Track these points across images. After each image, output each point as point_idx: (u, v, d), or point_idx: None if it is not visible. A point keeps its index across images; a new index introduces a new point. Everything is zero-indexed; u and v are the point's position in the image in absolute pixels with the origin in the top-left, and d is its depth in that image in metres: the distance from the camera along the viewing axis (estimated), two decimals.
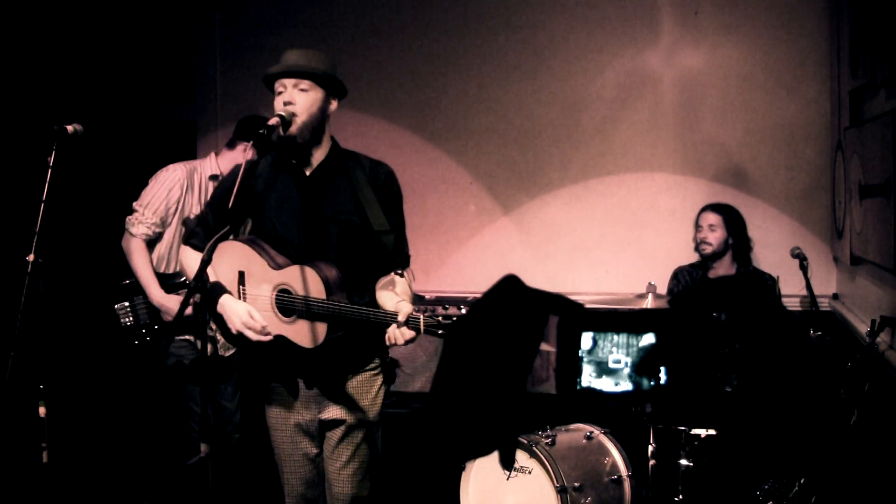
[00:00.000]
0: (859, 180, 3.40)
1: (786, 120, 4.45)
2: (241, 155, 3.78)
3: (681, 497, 3.52)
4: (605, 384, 0.69)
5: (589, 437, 3.59)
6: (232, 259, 2.74)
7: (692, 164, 4.59)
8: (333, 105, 2.73)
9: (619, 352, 0.69)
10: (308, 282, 2.59)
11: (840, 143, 3.99)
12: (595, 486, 3.44)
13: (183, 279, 3.66)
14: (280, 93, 2.65)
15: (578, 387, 0.69)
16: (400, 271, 2.72)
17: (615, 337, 0.69)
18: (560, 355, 0.70)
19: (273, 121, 2.56)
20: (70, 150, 3.18)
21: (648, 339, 0.69)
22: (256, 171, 2.74)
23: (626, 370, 0.69)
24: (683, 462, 3.52)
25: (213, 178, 3.79)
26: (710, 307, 0.60)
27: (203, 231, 2.79)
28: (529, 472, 3.39)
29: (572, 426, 3.67)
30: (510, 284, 0.69)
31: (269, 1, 5.12)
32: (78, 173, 4.18)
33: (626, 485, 3.51)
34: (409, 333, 2.48)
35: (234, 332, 2.64)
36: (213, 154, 3.87)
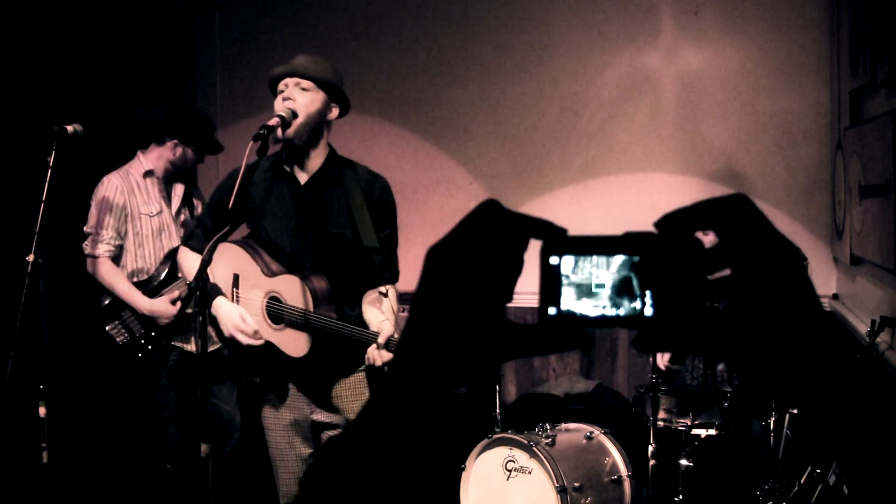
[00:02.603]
0: (859, 180, 3.40)
1: (786, 120, 4.45)
2: (170, 151, 3.73)
3: (681, 497, 3.52)
4: (586, 308, 0.68)
5: (589, 438, 3.59)
6: (228, 261, 2.74)
7: (692, 164, 4.59)
8: (334, 112, 2.71)
9: (601, 275, 0.68)
10: (298, 292, 2.59)
11: (840, 143, 3.99)
12: (595, 486, 3.44)
13: (161, 279, 3.65)
14: (281, 91, 2.65)
15: (558, 311, 0.68)
16: (387, 287, 2.72)
17: (598, 259, 0.68)
18: (541, 279, 0.70)
19: (273, 121, 2.56)
20: (70, 150, 3.19)
21: (633, 261, 0.68)
22: (253, 176, 2.72)
23: (609, 293, 0.68)
24: (683, 462, 3.52)
25: (147, 174, 3.71)
26: (698, 229, 0.59)
27: (202, 233, 2.79)
28: (529, 473, 3.39)
29: (572, 426, 3.67)
30: (488, 209, 0.70)
31: (269, 1, 5.12)
32: (78, 173, 4.18)
33: (626, 485, 3.51)
34: (388, 355, 2.49)
35: (226, 334, 2.64)
36: (139, 153, 3.78)
